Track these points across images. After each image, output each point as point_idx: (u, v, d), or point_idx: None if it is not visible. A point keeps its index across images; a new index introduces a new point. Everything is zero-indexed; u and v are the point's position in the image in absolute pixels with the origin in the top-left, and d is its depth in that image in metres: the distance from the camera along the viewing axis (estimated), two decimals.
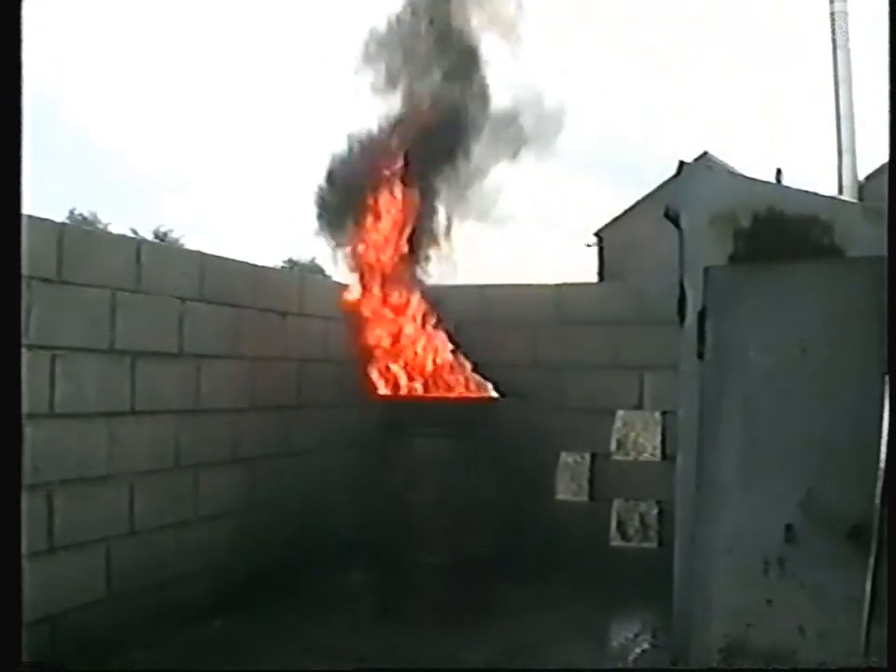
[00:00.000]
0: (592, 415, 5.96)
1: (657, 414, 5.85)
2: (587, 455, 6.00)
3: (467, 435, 4.87)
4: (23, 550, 2.32)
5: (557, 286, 6.26)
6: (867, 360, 2.85)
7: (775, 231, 3.34)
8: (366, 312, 5.44)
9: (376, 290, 5.46)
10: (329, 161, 5.45)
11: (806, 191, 3.60)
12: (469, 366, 5.49)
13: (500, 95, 5.50)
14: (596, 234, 32.16)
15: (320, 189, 5.46)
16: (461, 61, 5.43)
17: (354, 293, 5.51)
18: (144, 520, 4.31)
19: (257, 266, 5.39)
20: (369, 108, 5.49)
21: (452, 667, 4.09)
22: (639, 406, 5.91)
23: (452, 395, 5.34)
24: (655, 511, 5.78)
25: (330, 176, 5.44)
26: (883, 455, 2.67)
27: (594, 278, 27.37)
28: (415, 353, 5.46)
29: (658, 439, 5.83)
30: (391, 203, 5.43)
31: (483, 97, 5.47)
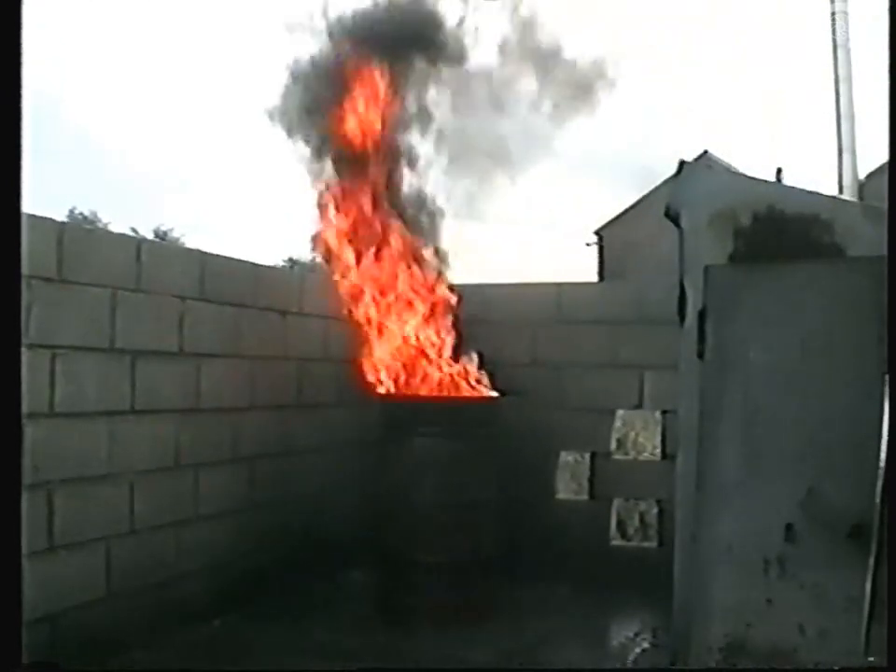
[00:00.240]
0: (592, 415, 5.96)
1: (657, 414, 5.85)
2: (587, 455, 6.00)
3: (467, 435, 4.87)
4: (23, 549, 2.31)
5: (557, 285, 6.26)
6: (867, 360, 2.85)
7: (775, 231, 3.34)
8: (364, 310, 5.43)
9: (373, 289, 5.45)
10: None
11: (807, 191, 3.60)
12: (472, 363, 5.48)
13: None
14: (596, 234, 32.18)
15: None
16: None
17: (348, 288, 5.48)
18: (144, 519, 4.30)
19: (257, 265, 5.39)
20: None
21: (452, 667, 4.09)
22: (639, 405, 5.91)
23: (452, 395, 5.33)
24: (655, 510, 5.78)
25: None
26: (883, 455, 2.67)
27: (594, 278, 27.39)
28: (416, 351, 5.46)
29: (658, 438, 5.83)
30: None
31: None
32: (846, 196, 8.81)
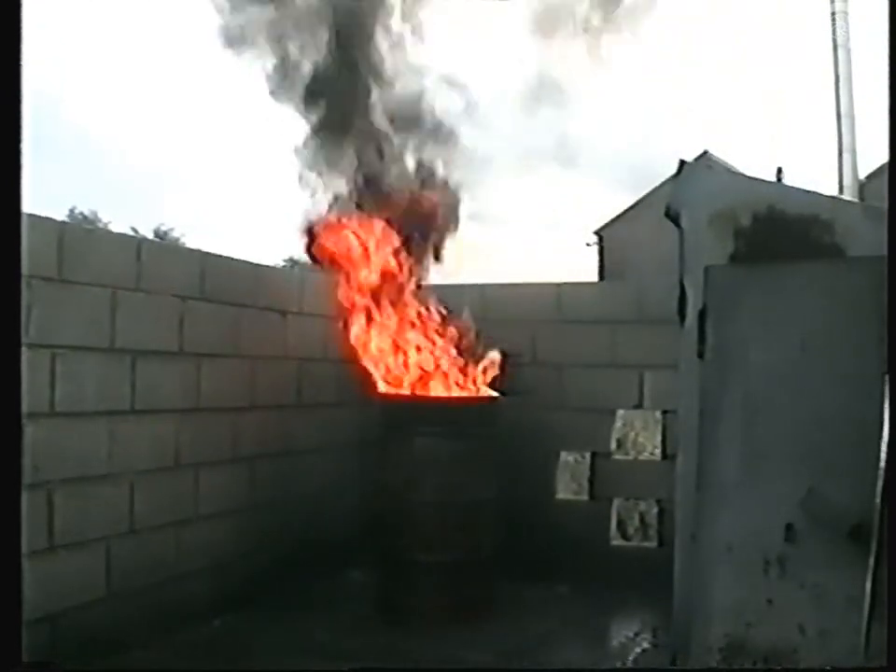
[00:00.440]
0: (592, 414, 5.96)
1: (657, 414, 5.85)
2: (587, 455, 6.00)
3: (467, 434, 4.88)
4: (23, 549, 2.32)
5: (557, 285, 6.26)
6: (867, 360, 2.85)
7: (775, 231, 3.34)
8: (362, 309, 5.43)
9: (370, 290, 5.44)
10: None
11: (807, 191, 3.60)
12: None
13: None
14: (597, 233, 32.19)
15: None
16: None
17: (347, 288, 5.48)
18: (144, 519, 4.30)
19: (257, 265, 5.39)
20: None
21: (452, 667, 4.09)
22: (640, 405, 5.91)
23: (452, 394, 5.33)
24: (655, 510, 5.78)
25: None
26: (883, 455, 2.67)
27: (594, 277, 27.39)
28: (413, 351, 5.45)
29: (658, 438, 5.83)
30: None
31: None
32: (846, 196, 8.81)
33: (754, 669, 3.03)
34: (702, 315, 3.29)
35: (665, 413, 5.78)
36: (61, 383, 3.85)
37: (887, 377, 2.65)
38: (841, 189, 9.59)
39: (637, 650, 4.45)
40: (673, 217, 3.50)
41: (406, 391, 5.29)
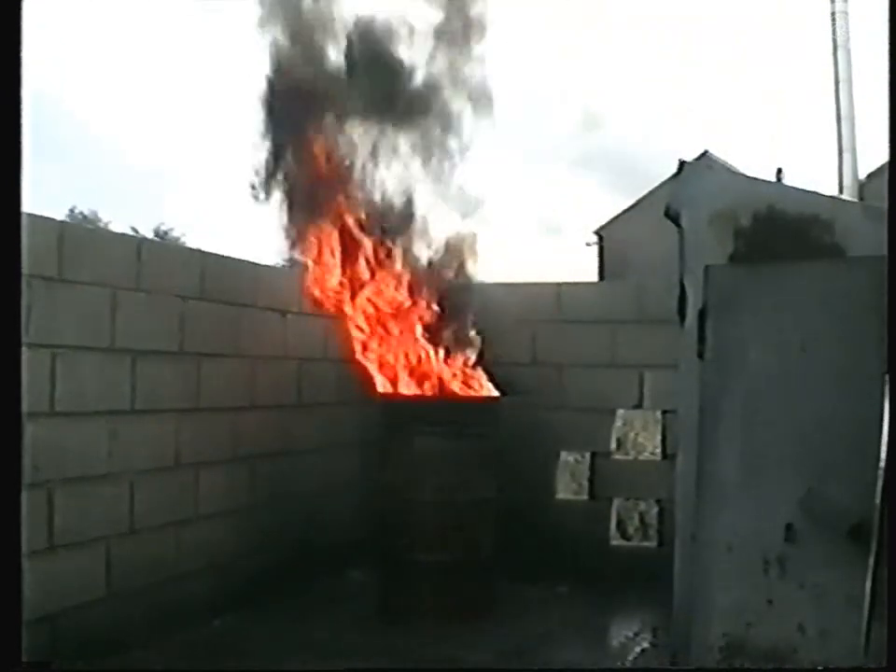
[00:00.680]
0: (592, 414, 5.96)
1: (657, 414, 5.85)
2: (587, 454, 6.00)
3: (467, 434, 4.88)
4: (23, 549, 2.31)
5: (557, 284, 6.26)
6: (867, 360, 2.85)
7: (775, 231, 3.34)
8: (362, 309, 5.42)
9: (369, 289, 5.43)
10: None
11: (807, 191, 3.60)
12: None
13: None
14: (596, 233, 32.18)
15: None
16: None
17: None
18: (144, 519, 4.30)
19: (257, 265, 5.39)
20: None
21: (452, 667, 4.09)
22: (639, 405, 5.91)
23: (452, 394, 5.33)
24: (655, 510, 5.78)
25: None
26: (883, 455, 2.67)
27: (594, 277, 27.39)
28: (414, 350, 5.45)
29: (658, 438, 5.83)
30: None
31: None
32: (846, 196, 8.81)
33: (754, 669, 3.03)
34: (702, 315, 3.29)
35: (665, 412, 5.78)
36: (61, 383, 3.85)
37: (887, 377, 2.65)
38: (841, 189, 9.59)
39: (637, 650, 4.45)
40: (673, 217, 3.50)
41: (406, 391, 5.29)
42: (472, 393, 5.39)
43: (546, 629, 4.72)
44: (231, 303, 5.00)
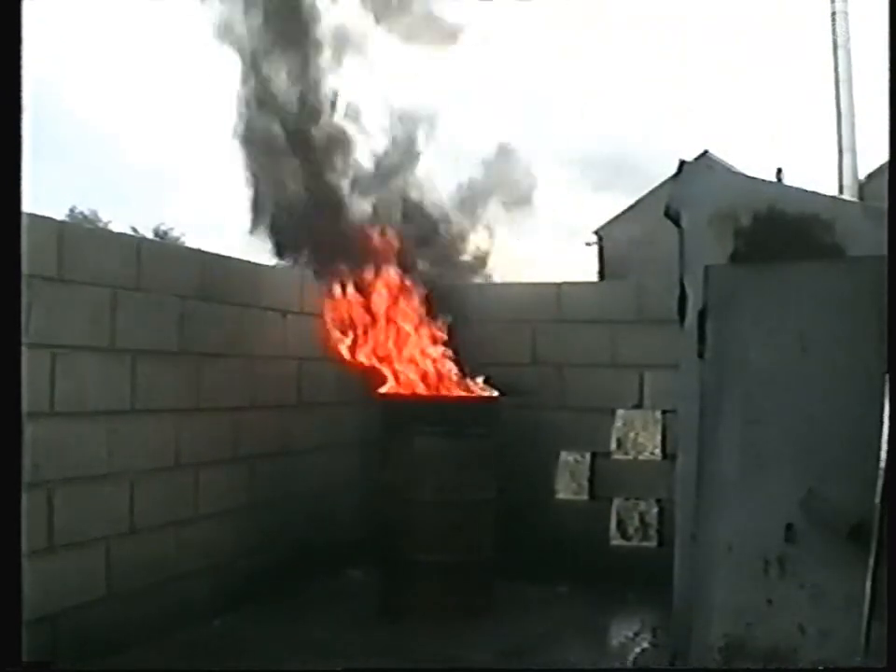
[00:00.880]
0: (592, 414, 5.96)
1: (657, 413, 5.85)
2: (587, 454, 6.00)
3: (467, 434, 4.88)
4: (23, 549, 2.31)
5: (557, 284, 6.26)
6: (867, 360, 2.85)
7: (775, 231, 3.34)
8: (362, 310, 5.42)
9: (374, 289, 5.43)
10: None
11: (807, 190, 3.60)
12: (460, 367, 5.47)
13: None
14: (596, 233, 32.15)
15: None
16: None
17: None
18: (144, 519, 4.30)
19: (257, 265, 5.38)
20: None
21: (452, 667, 4.09)
22: (639, 405, 5.91)
23: (452, 394, 5.33)
24: (655, 510, 5.78)
25: None
26: (883, 455, 2.67)
27: (594, 277, 27.36)
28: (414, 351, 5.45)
29: (658, 438, 5.83)
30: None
31: None
32: (846, 196, 8.81)
33: (754, 669, 3.03)
34: (702, 315, 3.29)
35: (665, 412, 5.78)
36: (61, 382, 3.85)
37: (887, 377, 2.65)
38: (841, 189, 9.58)
39: (637, 650, 4.45)
40: (673, 216, 3.50)
41: (406, 391, 5.29)
42: (472, 393, 5.39)
43: (546, 629, 4.72)
44: (231, 303, 5.00)
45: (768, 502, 3.06)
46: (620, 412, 5.93)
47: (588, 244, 32.14)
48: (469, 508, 4.85)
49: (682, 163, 3.53)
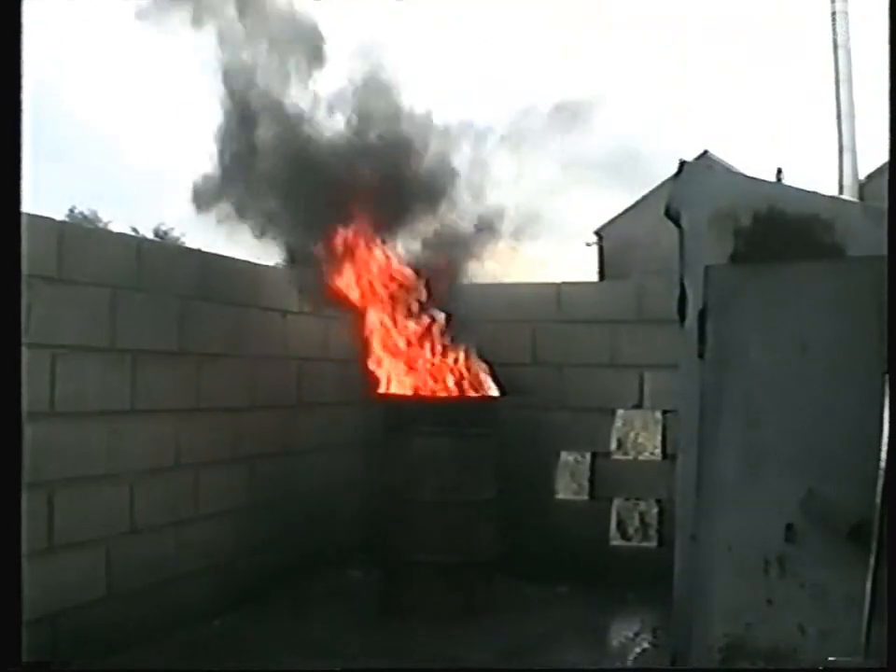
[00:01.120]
0: (592, 414, 5.96)
1: (657, 414, 5.86)
2: (587, 455, 6.00)
3: (467, 434, 4.88)
4: (23, 549, 2.31)
5: (557, 284, 6.26)
6: (868, 360, 2.85)
7: (775, 231, 3.33)
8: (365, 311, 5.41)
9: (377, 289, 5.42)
10: None
11: (807, 190, 3.60)
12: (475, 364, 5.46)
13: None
14: (596, 233, 32.14)
15: None
16: None
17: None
18: (144, 519, 4.31)
19: (257, 265, 5.39)
20: None
21: (452, 667, 4.09)
22: (639, 405, 5.92)
23: (452, 394, 5.33)
24: (655, 510, 5.78)
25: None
26: (884, 455, 2.67)
27: (594, 277, 27.35)
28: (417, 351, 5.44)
29: (658, 438, 5.83)
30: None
31: None
32: (846, 196, 8.81)
33: (754, 669, 3.03)
34: (702, 315, 3.28)
35: (665, 412, 5.78)
36: (61, 382, 3.85)
37: (887, 377, 2.65)
38: (841, 189, 9.58)
39: (637, 650, 4.45)
40: (673, 216, 3.50)
41: (406, 391, 5.29)
42: (472, 393, 5.39)
43: (546, 629, 4.72)
44: (231, 303, 5.00)
45: (768, 502, 3.06)
46: (620, 412, 5.93)
47: (588, 244, 32.13)
48: (468, 508, 4.85)
49: (682, 163, 3.53)
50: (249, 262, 5.31)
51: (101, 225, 28.46)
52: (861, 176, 9.96)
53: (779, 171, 21.83)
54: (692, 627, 3.20)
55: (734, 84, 61.55)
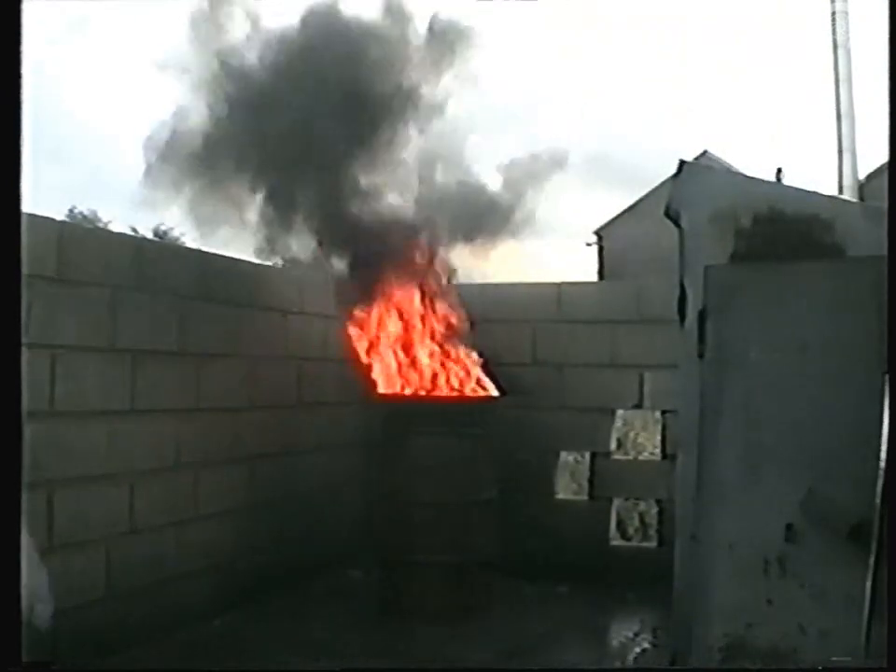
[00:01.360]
0: (592, 414, 5.96)
1: (657, 414, 5.86)
2: (587, 455, 6.00)
3: (467, 434, 4.88)
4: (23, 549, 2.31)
5: (557, 284, 6.26)
6: (867, 360, 2.85)
7: (775, 231, 3.34)
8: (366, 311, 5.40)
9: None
10: None
11: (807, 191, 3.60)
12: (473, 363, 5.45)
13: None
14: (596, 233, 32.15)
15: None
16: None
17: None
18: (144, 519, 4.30)
19: (257, 265, 5.38)
20: None
21: (452, 667, 4.09)
22: (639, 405, 5.91)
23: (452, 394, 5.33)
24: (655, 510, 5.78)
25: None
26: (883, 455, 2.67)
27: (594, 277, 27.35)
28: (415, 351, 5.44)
29: (658, 438, 5.83)
30: None
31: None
32: (846, 196, 8.81)
33: (754, 669, 3.03)
34: (702, 315, 3.29)
35: (664, 413, 5.78)
36: (61, 382, 3.85)
37: (887, 377, 2.65)
38: (841, 189, 9.58)
39: (637, 650, 4.45)
40: (673, 216, 3.50)
41: (406, 391, 5.29)
42: (472, 393, 5.39)
43: (546, 629, 4.72)
44: (230, 303, 5.00)
45: (768, 502, 3.06)
46: (620, 412, 5.93)
47: (588, 244, 32.13)
48: (468, 508, 4.85)
49: (682, 163, 3.53)
50: (249, 262, 5.31)
51: (101, 225, 28.46)
52: (861, 176, 9.96)
53: (779, 171, 21.83)
54: (692, 627, 3.20)
55: (734, 84, 61.60)
